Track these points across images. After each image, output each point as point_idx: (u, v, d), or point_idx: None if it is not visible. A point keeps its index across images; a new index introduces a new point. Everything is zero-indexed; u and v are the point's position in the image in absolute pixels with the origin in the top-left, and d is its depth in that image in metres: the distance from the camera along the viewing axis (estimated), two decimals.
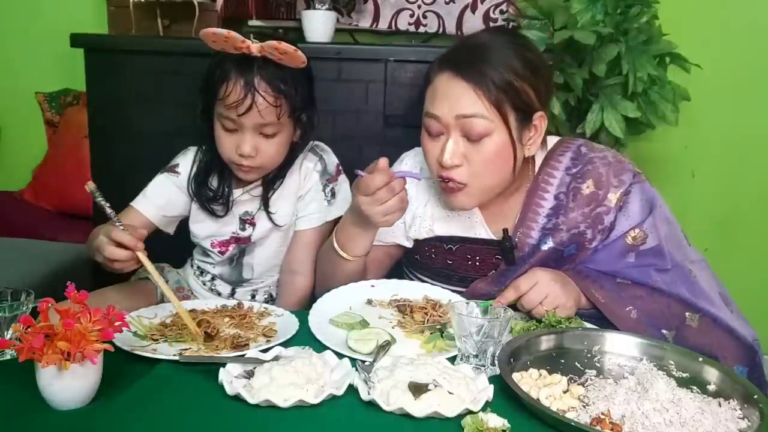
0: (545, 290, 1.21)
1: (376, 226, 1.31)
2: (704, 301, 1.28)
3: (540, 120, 1.31)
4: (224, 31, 1.31)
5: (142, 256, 1.23)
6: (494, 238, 1.40)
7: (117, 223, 1.23)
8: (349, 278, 1.38)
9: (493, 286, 1.36)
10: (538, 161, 1.40)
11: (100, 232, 1.25)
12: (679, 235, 1.38)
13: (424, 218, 1.44)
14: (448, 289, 1.39)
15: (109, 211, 1.23)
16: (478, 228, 1.41)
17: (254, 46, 1.33)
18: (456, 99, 1.26)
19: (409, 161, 1.50)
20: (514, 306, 1.22)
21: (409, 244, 1.48)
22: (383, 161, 1.25)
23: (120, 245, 1.22)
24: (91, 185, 1.23)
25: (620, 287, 1.28)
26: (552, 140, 1.43)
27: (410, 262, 1.52)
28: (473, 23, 2.31)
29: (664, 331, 1.25)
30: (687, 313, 1.26)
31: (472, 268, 1.41)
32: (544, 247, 1.35)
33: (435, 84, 1.31)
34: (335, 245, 1.37)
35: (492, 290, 1.35)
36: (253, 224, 1.53)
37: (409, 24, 2.34)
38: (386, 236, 1.48)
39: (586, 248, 1.35)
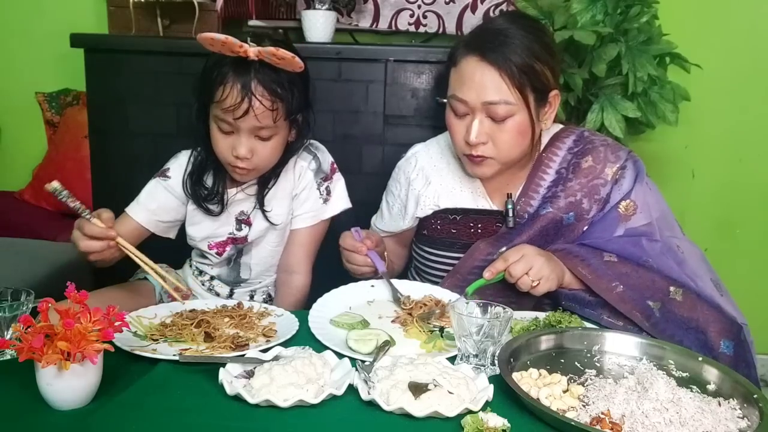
0: (531, 261, 1.28)
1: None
2: (691, 277, 1.33)
3: (554, 97, 1.41)
4: (221, 36, 1.30)
5: (122, 241, 1.26)
6: (495, 208, 1.49)
7: (87, 216, 1.24)
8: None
9: (494, 247, 1.43)
10: (544, 142, 1.49)
11: (74, 228, 1.26)
12: (671, 220, 1.45)
13: (427, 197, 1.52)
14: (450, 256, 1.49)
15: (73, 205, 1.23)
16: (481, 200, 1.50)
17: (251, 50, 1.32)
18: (482, 86, 1.34)
19: (418, 148, 1.58)
20: (510, 303, 1.23)
21: (411, 224, 1.56)
22: (365, 244, 1.42)
23: (93, 237, 1.24)
24: (52, 186, 1.21)
25: (607, 265, 1.33)
26: (558, 126, 1.52)
27: (418, 237, 1.59)
28: (473, 23, 2.31)
29: (649, 303, 1.29)
30: (671, 288, 1.31)
31: (474, 235, 1.49)
32: (543, 212, 1.43)
33: (461, 67, 1.38)
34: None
35: (492, 251, 1.42)
36: (249, 224, 1.53)
37: (409, 24, 2.34)
38: (391, 226, 1.59)
39: (584, 219, 1.42)
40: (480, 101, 1.34)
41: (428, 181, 1.53)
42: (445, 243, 1.51)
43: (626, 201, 1.40)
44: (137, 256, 1.30)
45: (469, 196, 1.51)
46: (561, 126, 1.53)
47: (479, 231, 1.49)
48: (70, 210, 1.24)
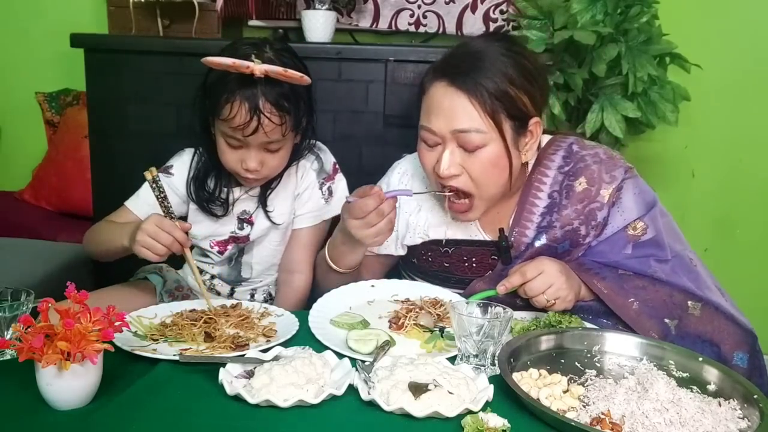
0: (550, 280, 1.22)
1: (366, 246, 1.33)
2: (706, 290, 1.29)
3: (536, 126, 1.31)
4: (229, 61, 1.29)
5: (188, 252, 1.33)
6: (489, 239, 1.41)
7: (174, 217, 1.31)
8: (343, 285, 1.38)
9: (492, 286, 1.35)
10: (531, 161, 1.40)
11: (150, 220, 1.28)
12: (675, 228, 1.40)
13: (417, 225, 1.44)
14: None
15: (163, 201, 1.31)
16: (473, 230, 1.42)
17: (258, 69, 1.31)
18: (452, 113, 1.25)
19: (406, 166, 1.49)
20: (513, 303, 1.23)
21: (402, 252, 1.49)
22: (376, 188, 1.26)
23: (171, 237, 1.28)
24: (151, 174, 1.31)
25: (622, 279, 1.28)
26: (544, 139, 1.42)
27: (407, 265, 1.52)
28: (473, 23, 2.31)
29: (666, 321, 1.26)
30: (689, 302, 1.27)
31: (468, 270, 1.42)
32: (538, 244, 1.36)
33: (430, 94, 1.29)
34: (327, 259, 1.39)
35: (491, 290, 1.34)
36: (251, 223, 1.53)
37: (409, 24, 2.34)
38: (378, 248, 1.48)
39: (580, 244, 1.35)
40: (449, 129, 1.25)
41: (419, 206, 1.44)
42: (439, 277, 1.43)
43: (636, 223, 1.33)
44: (192, 267, 1.36)
45: (460, 226, 1.42)
46: (548, 138, 1.42)
47: (473, 265, 1.41)
48: (162, 206, 1.33)
